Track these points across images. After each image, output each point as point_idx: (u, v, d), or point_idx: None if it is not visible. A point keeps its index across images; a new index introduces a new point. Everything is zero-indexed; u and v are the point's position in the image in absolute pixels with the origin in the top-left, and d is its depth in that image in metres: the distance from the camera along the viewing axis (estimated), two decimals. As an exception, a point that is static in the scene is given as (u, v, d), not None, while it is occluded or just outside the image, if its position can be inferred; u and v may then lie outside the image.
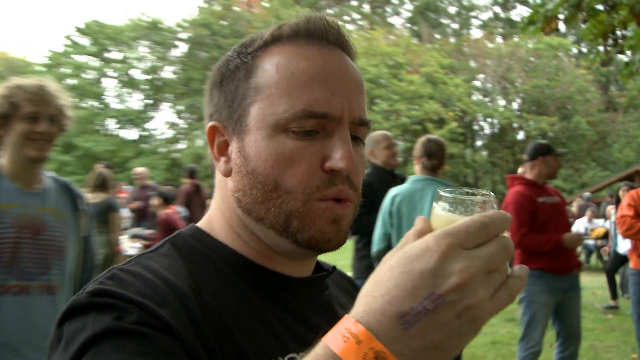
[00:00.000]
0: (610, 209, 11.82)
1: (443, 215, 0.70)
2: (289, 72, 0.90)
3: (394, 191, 4.08)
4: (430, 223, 0.70)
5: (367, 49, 37.23)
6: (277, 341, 0.90)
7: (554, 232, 4.65)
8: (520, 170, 7.84)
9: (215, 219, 1.02)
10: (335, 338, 0.61)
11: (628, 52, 7.40)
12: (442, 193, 0.71)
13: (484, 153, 41.76)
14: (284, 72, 0.91)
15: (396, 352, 0.59)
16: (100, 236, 6.78)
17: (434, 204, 0.73)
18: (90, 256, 2.75)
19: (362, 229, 4.51)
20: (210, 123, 0.99)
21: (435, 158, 4.15)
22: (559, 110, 39.61)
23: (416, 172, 4.26)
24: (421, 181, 4.11)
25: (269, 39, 0.95)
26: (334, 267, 1.14)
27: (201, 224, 1.04)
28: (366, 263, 4.59)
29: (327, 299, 1.06)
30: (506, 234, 0.66)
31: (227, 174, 0.97)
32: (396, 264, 0.63)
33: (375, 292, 0.63)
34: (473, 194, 0.72)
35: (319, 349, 0.62)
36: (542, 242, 4.65)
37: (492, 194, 0.71)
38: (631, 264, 5.14)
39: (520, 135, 41.03)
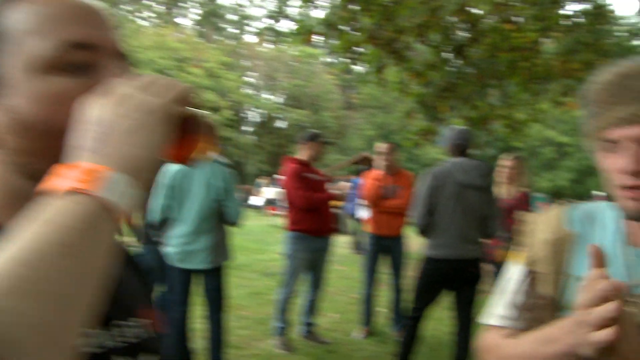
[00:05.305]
0: (346, 185, 12.62)
1: None
2: (43, 14, 0.66)
3: (174, 167, 3.80)
4: None
5: (157, 43, 35.75)
6: None
7: None
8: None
9: None
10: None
11: (363, 65, 7.91)
12: None
13: (252, 137, 42.31)
14: (38, 16, 0.66)
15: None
16: None
17: None
18: None
19: None
20: None
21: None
22: (311, 105, 41.36)
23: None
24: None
25: None
26: None
27: None
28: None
29: None
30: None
31: None
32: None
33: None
34: None
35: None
36: (325, 198, 4.85)
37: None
38: (367, 229, 5.44)
39: (283, 124, 42.24)
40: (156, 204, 3.87)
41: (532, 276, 1.14)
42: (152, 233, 4.08)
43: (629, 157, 0.93)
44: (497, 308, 1.20)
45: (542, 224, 1.18)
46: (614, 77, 0.99)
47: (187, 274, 3.90)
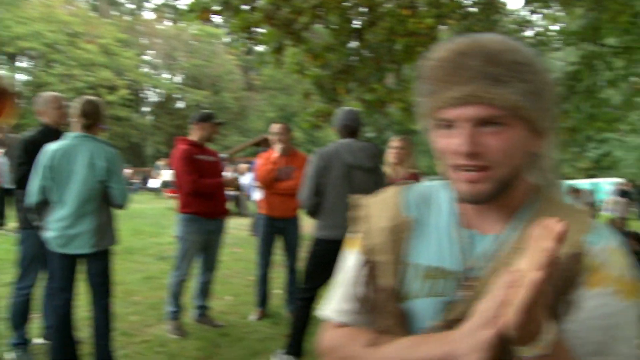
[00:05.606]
0: (245, 166, 12.55)
1: None
2: None
3: (54, 147, 3.61)
4: None
5: (45, 14, 33.61)
6: None
7: None
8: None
9: None
10: None
11: (262, 46, 7.83)
12: None
13: (150, 117, 40.99)
14: None
15: None
16: None
17: None
18: None
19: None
20: None
21: (90, 118, 3.75)
22: (211, 86, 40.63)
23: (74, 129, 3.79)
24: (79, 138, 3.71)
25: None
26: None
27: None
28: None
29: None
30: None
31: None
32: None
33: None
34: None
35: None
36: (212, 184, 4.73)
37: None
38: (261, 211, 5.38)
39: (181, 105, 41.23)
40: (34, 186, 3.63)
41: (370, 266, 1.07)
42: (30, 217, 3.83)
43: (463, 137, 0.91)
44: (335, 301, 1.13)
45: (377, 209, 1.11)
46: (449, 55, 0.95)
47: (69, 260, 3.70)
